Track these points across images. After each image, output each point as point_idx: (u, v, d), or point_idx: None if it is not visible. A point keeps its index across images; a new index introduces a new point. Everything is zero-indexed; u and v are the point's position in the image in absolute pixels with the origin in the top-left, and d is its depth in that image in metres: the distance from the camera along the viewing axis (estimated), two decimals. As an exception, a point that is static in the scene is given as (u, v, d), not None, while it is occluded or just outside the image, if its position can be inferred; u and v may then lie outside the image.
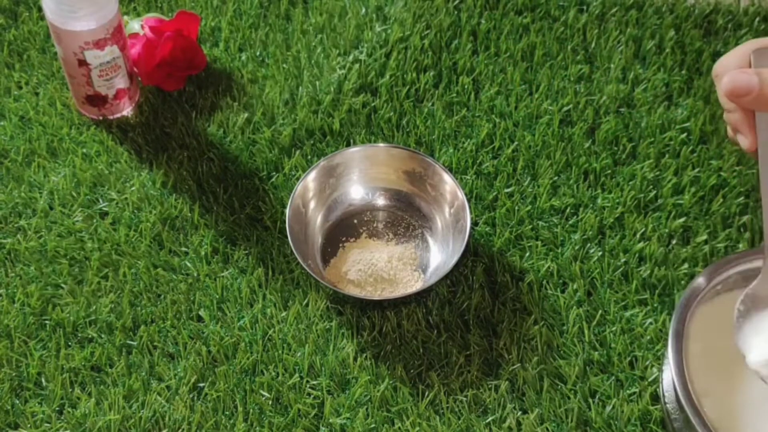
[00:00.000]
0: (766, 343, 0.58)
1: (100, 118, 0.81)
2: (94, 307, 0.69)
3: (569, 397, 0.65)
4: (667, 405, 0.63)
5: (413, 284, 0.71)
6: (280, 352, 0.67)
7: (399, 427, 0.64)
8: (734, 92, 0.57)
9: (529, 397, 0.65)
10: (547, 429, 0.64)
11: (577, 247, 0.73)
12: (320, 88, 0.84)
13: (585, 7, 0.90)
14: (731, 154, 0.78)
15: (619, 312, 0.70)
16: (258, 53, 0.87)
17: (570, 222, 0.75)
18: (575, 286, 0.71)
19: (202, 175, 0.77)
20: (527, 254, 0.73)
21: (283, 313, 0.69)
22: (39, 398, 0.65)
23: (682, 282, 0.71)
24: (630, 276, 0.72)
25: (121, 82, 0.79)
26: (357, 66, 0.85)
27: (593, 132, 0.81)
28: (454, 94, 0.83)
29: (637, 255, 0.72)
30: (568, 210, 0.76)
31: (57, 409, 0.65)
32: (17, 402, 0.65)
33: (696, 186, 0.76)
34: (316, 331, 0.68)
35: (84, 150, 0.79)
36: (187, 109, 0.82)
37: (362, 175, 0.76)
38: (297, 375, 0.66)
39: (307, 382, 0.66)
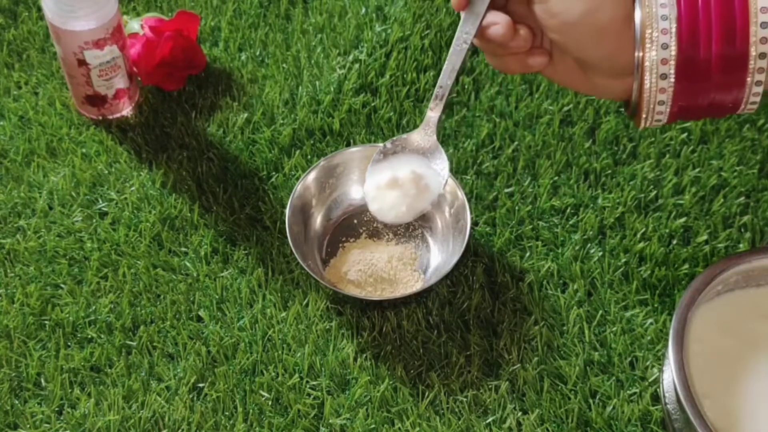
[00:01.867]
0: (377, 181, 0.66)
1: (100, 118, 0.81)
2: (93, 308, 0.69)
3: (569, 398, 0.65)
4: (668, 405, 0.63)
5: (413, 284, 0.71)
6: (280, 352, 0.67)
7: (399, 428, 0.64)
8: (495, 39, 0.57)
9: (530, 398, 0.65)
10: (548, 429, 0.64)
11: (577, 247, 0.73)
12: (320, 88, 0.84)
13: (585, 7, 0.90)
14: (732, 154, 0.78)
15: (619, 312, 0.69)
16: (258, 53, 0.87)
17: (570, 222, 0.75)
18: (575, 287, 0.71)
19: (202, 175, 0.77)
20: (527, 254, 0.73)
21: (283, 314, 0.69)
22: (38, 398, 0.65)
23: (683, 282, 0.71)
24: (630, 276, 0.71)
25: (120, 82, 0.79)
26: (357, 66, 0.85)
27: (593, 132, 0.81)
28: (454, 94, 0.83)
29: (637, 255, 0.72)
30: (568, 210, 0.75)
31: (56, 409, 0.65)
32: (17, 402, 0.65)
33: (696, 186, 0.76)
34: (316, 331, 0.68)
35: (83, 150, 0.79)
36: (187, 109, 0.82)
37: (362, 175, 0.76)
38: (297, 375, 0.66)
39: (307, 382, 0.66)
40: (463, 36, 0.58)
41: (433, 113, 0.63)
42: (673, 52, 0.52)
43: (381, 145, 0.67)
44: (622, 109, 0.61)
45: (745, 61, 0.52)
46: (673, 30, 0.52)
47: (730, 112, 0.55)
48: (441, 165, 0.65)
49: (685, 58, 0.52)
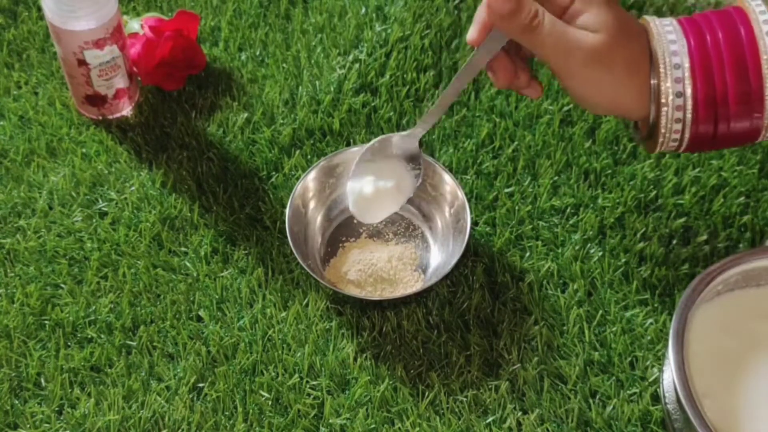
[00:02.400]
0: (360, 187, 0.70)
1: (100, 117, 0.81)
2: (93, 307, 0.69)
3: (569, 398, 0.65)
4: (668, 405, 0.63)
5: (413, 284, 0.71)
6: (280, 352, 0.67)
7: (399, 428, 0.64)
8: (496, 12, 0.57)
9: (530, 398, 0.65)
10: (548, 429, 0.64)
11: (577, 247, 0.73)
12: (320, 88, 0.84)
13: (585, 7, 0.90)
14: (731, 154, 0.78)
15: (619, 312, 0.69)
16: (258, 53, 0.87)
17: (570, 222, 0.75)
18: (575, 286, 0.71)
19: (202, 175, 0.77)
20: (527, 254, 0.73)
21: (283, 313, 0.69)
22: (38, 398, 0.65)
23: (683, 282, 0.71)
24: (630, 276, 0.71)
25: (120, 82, 0.79)
26: (357, 66, 0.84)
27: (593, 132, 0.81)
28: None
29: (637, 255, 0.72)
30: (568, 210, 0.75)
31: (56, 409, 0.65)
32: (17, 402, 0.65)
33: (696, 186, 0.76)
34: (316, 331, 0.68)
35: (83, 150, 0.79)
36: (187, 109, 0.82)
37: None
38: (297, 375, 0.66)
39: (307, 382, 0.66)
40: (473, 65, 0.61)
41: (420, 128, 0.68)
42: (689, 92, 0.55)
43: (370, 143, 0.70)
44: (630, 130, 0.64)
45: (761, 95, 0.55)
46: (687, 72, 0.55)
47: (750, 142, 0.58)
48: (417, 172, 0.70)
49: (702, 99, 0.55)
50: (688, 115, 0.55)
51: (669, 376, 0.62)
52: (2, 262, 0.72)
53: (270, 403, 0.65)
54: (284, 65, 0.86)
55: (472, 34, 0.60)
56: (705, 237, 0.73)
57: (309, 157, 0.79)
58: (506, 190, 0.77)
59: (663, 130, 0.56)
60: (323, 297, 0.70)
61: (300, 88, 0.84)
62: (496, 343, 0.68)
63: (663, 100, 0.55)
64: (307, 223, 0.73)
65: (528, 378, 0.66)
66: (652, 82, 0.56)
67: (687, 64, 0.55)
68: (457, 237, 0.71)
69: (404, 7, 0.89)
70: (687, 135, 0.56)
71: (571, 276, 0.71)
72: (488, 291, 0.71)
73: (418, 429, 0.64)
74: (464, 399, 0.65)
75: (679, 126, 0.56)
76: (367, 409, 0.64)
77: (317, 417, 0.64)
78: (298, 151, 0.79)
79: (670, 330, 0.61)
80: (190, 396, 0.65)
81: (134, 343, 0.68)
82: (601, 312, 0.69)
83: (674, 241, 0.73)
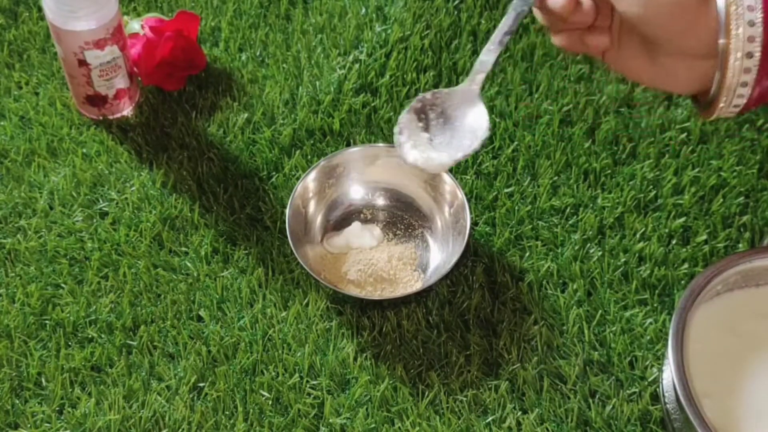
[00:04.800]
0: (419, 151, 0.58)
1: (100, 118, 0.81)
2: (94, 307, 0.69)
3: (569, 397, 0.65)
4: (667, 405, 0.63)
5: (413, 284, 0.71)
6: (280, 352, 0.67)
7: (399, 427, 0.64)
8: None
9: (529, 397, 0.65)
10: (547, 429, 0.64)
11: (577, 247, 0.73)
12: (320, 88, 0.84)
13: (585, 7, 0.90)
14: (731, 154, 0.78)
15: (619, 312, 0.70)
16: (258, 53, 0.87)
17: (570, 222, 0.75)
18: (575, 286, 0.71)
19: (202, 175, 0.77)
20: (527, 254, 0.73)
21: (283, 313, 0.69)
22: (39, 398, 0.65)
23: (682, 282, 0.71)
24: (630, 276, 0.72)
25: (121, 82, 0.79)
26: (357, 66, 0.85)
27: (593, 132, 0.81)
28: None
29: (637, 255, 0.72)
30: (568, 210, 0.76)
31: (57, 409, 0.65)
32: (17, 402, 0.65)
33: (696, 186, 0.76)
34: (316, 331, 0.68)
35: (84, 150, 0.79)
36: (187, 109, 0.82)
37: (362, 176, 0.76)
38: (297, 375, 0.66)
39: (307, 382, 0.66)
40: (521, 2, 0.54)
41: (478, 78, 0.58)
42: (760, 29, 0.50)
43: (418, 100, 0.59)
44: (689, 101, 0.57)
45: None
46: (759, 6, 0.50)
47: None
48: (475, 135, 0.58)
49: None
50: (756, 64, 0.51)
51: (668, 375, 0.62)
52: (3, 262, 0.72)
53: (270, 402, 0.65)
54: (284, 65, 0.86)
55: None
56: (704, 237, 0.73)
57: (309, 157, 0.79)
58: (506, 190, 0.77)
59: (727, 90, 0.52)
60: (323, 297, 0.70)
61: (300, 88, 0.84)
62: (495, 342, 0.68)
63: (731, 55, 0.51)
64: (307, 223, 0.73)
65: (528, 378, 0.66)
66: (720, 41, 0.51)
67: (761, 6, 0.50)
68: (456, 237, 0.71)
69: (404, 8, 0.89)
70: (751, 88, 0.52)
71: (571, 276, 0.72)
72: (488, 291, 0.71)
73: (417, 428, 0.64)
74: (464, 399, 0.65)
75: (747, 77, 0.52)
76: (367, 409, 0.65)
77: (317, 417, 0.64)
78: (298, 152, 0.79)
79: (670, 330, 0.61)
80: (191, 396, 0.65)
81: (135, 343, 0.68)
82: (600, 312, 0.70)
83: (673, 241, 0.74)
